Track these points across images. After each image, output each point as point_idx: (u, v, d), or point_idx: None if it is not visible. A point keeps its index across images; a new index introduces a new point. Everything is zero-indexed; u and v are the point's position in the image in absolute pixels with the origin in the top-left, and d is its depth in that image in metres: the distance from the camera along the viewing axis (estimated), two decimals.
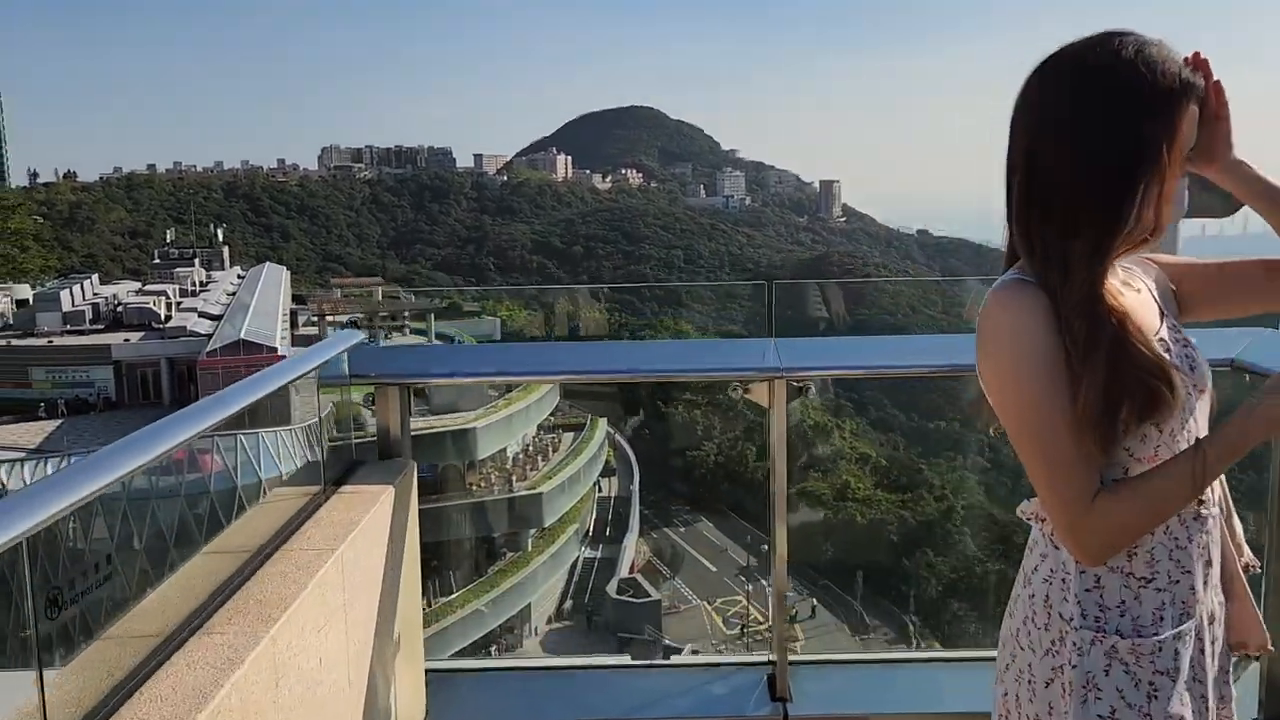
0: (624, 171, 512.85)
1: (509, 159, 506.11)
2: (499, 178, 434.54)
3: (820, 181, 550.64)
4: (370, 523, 4.50)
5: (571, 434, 68.10)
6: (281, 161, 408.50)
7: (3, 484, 43.39)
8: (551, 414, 68.83)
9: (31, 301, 69.39)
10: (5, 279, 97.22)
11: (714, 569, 77.17)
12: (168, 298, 73.60)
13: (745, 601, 68.04)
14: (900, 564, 76.92)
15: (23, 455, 46.45)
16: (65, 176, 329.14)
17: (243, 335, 50.34)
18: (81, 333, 65.06)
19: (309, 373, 4.72)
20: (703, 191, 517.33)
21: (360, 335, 5.57)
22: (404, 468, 5.27)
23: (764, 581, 73.89)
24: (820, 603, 70.50)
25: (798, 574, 76.86)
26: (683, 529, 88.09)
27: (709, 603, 68.32)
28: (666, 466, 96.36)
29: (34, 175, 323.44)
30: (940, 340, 6.57)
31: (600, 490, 71.58)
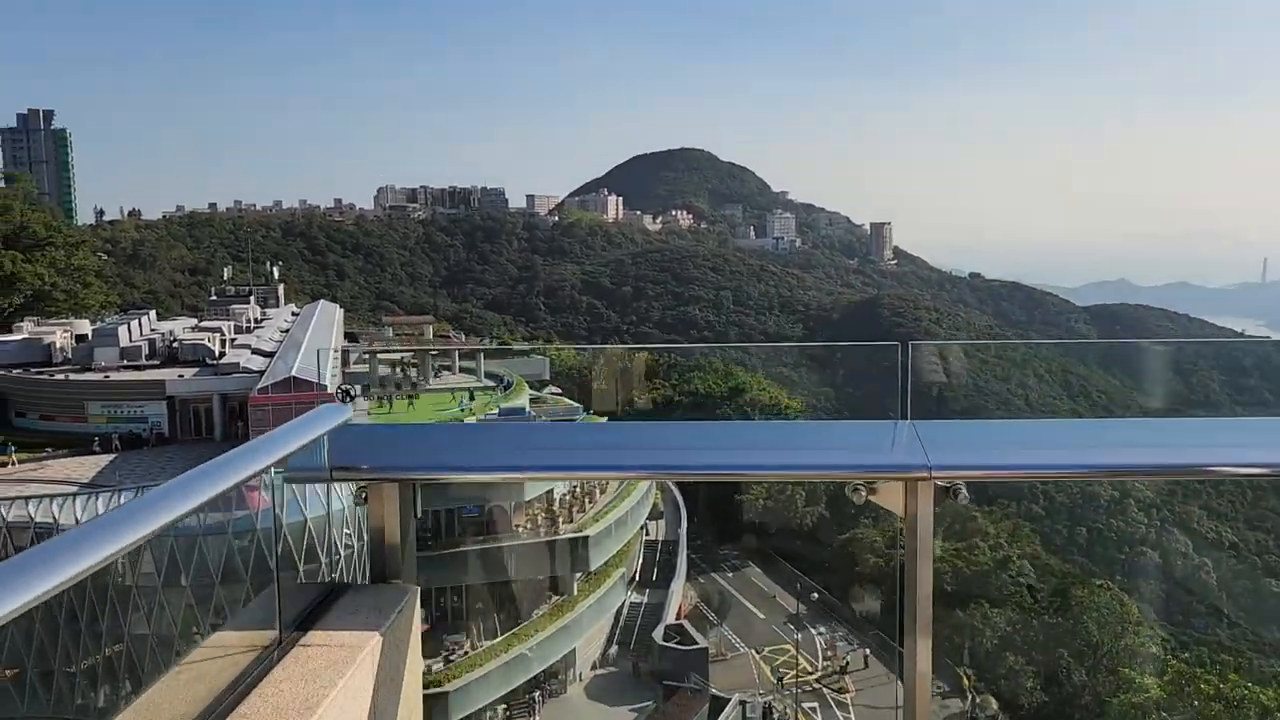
0: (674, 213, 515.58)
1: (561, 200, 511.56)
2: (550, 218, 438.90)
3: (871, 224, 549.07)
4: (343, 699, 3.12)
5: None
6: (339, 201, 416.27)
7: (55, 519, 43.72)
8: None
9: (90, 336, 70.49)
10: (67, 314, 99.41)
11: (762, 615, 75.63)
12: (222, 334, 74.40)
13: (794, 651, 66.34)
14: (953, 614, 74.78)
15: (75, 490, 46.87)
16: (130, 215, 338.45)
17: (294, 373, 50.51)
18: (138, 368, 65.86)
19: (270, 467, 3.51)
20: (753, 233, 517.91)
21: (346, 412, 4.18)
22: (402, 599, 3.89)
23: (814, 630, 72.22)
24: (872, 653, 68.54)
25: (850, 623, 75.03)
26: (730, 575, 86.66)
27: (757, 651, 66.78)
28: (714, 510, 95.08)
29: (100, 213, 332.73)
30: (1149, 426, 5.01)
31: (647, 534, 70.65)
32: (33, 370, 66.15)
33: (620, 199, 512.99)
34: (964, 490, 3.97)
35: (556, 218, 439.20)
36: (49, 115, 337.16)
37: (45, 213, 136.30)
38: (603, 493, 63.75)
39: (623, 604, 62.05)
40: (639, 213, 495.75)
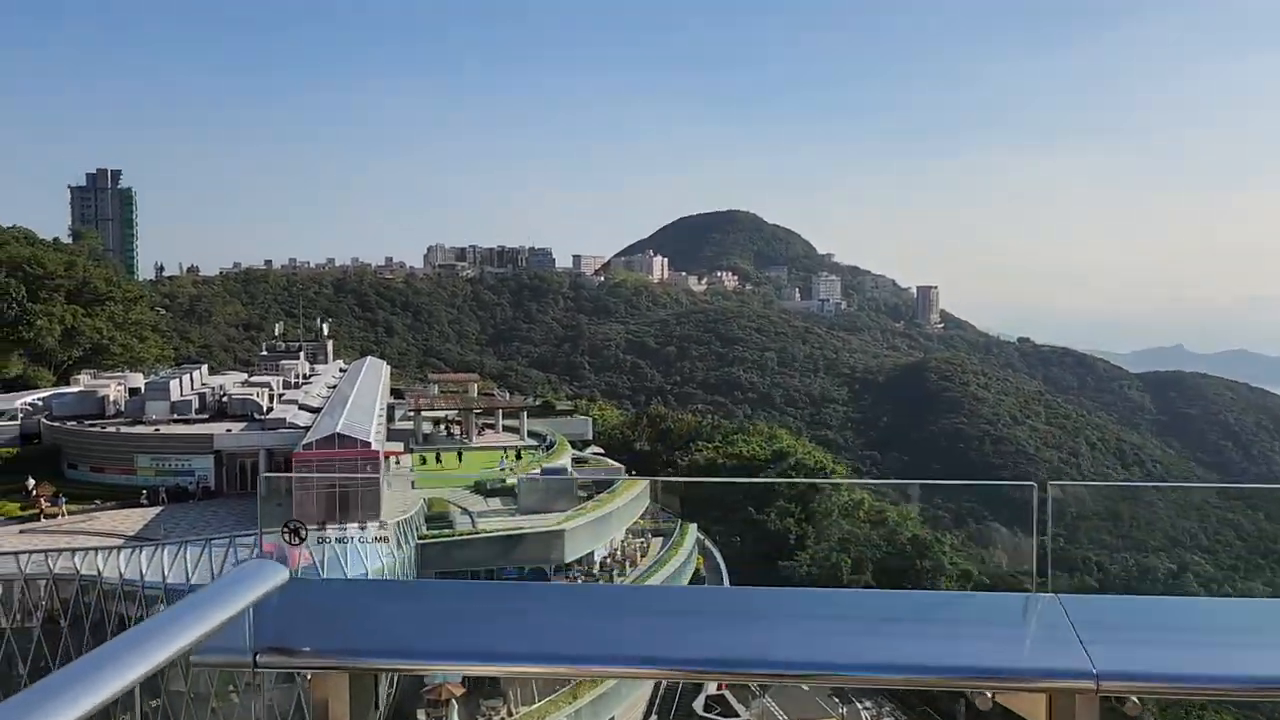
0: (719, 274, 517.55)
1: (607, 260, 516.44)
2: (596, 278, 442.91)
3: (917, 287, 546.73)
4: None
5: (661, 539, 66.57)
6: (389, 259, 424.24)
7: (99, 572, 43.94)
8: (642, 517, 67.66)
9: (143, 390, 71.61)
10: (124, 367, 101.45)
11: (805, 687, 73.73)
12: (271, 389, 75.22)
13: None
14: None
15: (120, 543, 47.17)
16: (189, 270, 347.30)
17: (339, 429, 50.71)
18: (187, 422, 66.68)
19: (174, 656, 2.79)
20: (798, 295, 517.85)
21: (280, 573, 3.29)
22: None
23: (859, 704, 70.15)
24: None
25: (899, 697, 72.72)
26: None
27: None
28: (757, 576, 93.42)
29: (160, 269, 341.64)
30: None
31: None
32: (86, 422, 67.28)
33: (665, 260, 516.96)
34: (1135, 702, 2.83)
35: (602, 277, 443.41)
36: (116, 174, 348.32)
37: (107, 268, 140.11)
38: (644, 556, 63.02)
39: None
40: (684, 273, 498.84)
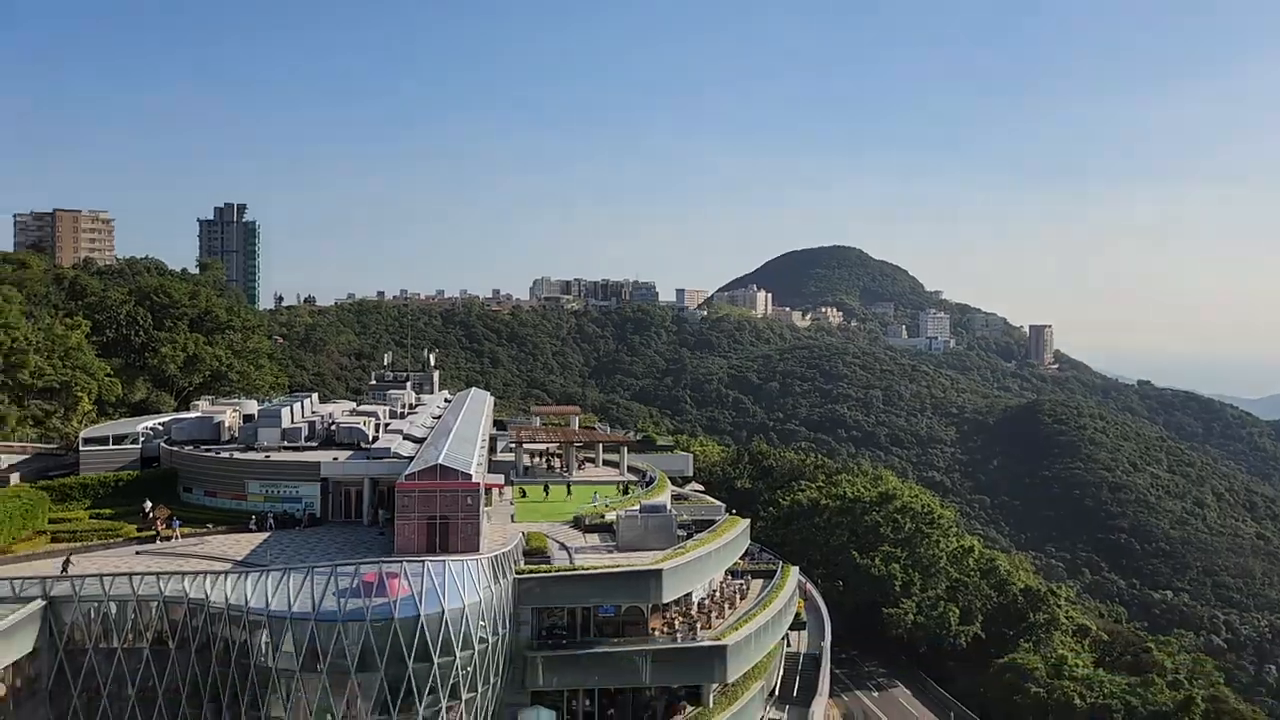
0: (824, 309, 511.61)
1: (710, 294, 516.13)
2: (699, 312, 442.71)
3: (1030, 326, 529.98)
4: None
5: (761, 581, 64.79)
6: (496, 291, 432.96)
7: (206, 595, 44.72)
8: (742, 557, 66.10)
9: (256, 417, 73.52)
10: (240, 394, 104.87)
11: None
12: (377, 419, 76.39)
13: None
14: None
15: (228, 568, 48.04)
16: (305, 301, 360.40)
17: (441, 461, 50.86)
18: (297, 449, 68.13)
19: None
20: (904, 332, 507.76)
21: None
22: None
23: None
24: None
25: None
26: (876, 694, 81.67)
27: None
28: (861, 623, 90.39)
29: (279, 299, 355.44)
30: None
31: (789, 645, 67.42)
32: (202, 447, 69.39)
33: (769, 295, 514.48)
34: None
35: (705, 312, 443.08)
36: (241, 209, 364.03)
37: (229, 298, 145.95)
38: (743, 598, 61.33)
39: (761, 719, 58.99)
40: (788, 309, 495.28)
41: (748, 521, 67.58)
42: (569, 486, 72.65)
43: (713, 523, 63.51)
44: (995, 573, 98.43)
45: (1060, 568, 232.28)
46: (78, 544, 54.93)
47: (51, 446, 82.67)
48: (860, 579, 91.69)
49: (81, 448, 72.06)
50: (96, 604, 44.51)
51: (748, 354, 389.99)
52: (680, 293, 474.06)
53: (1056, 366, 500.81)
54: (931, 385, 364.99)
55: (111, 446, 71.85)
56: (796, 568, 70.33)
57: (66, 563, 48.27)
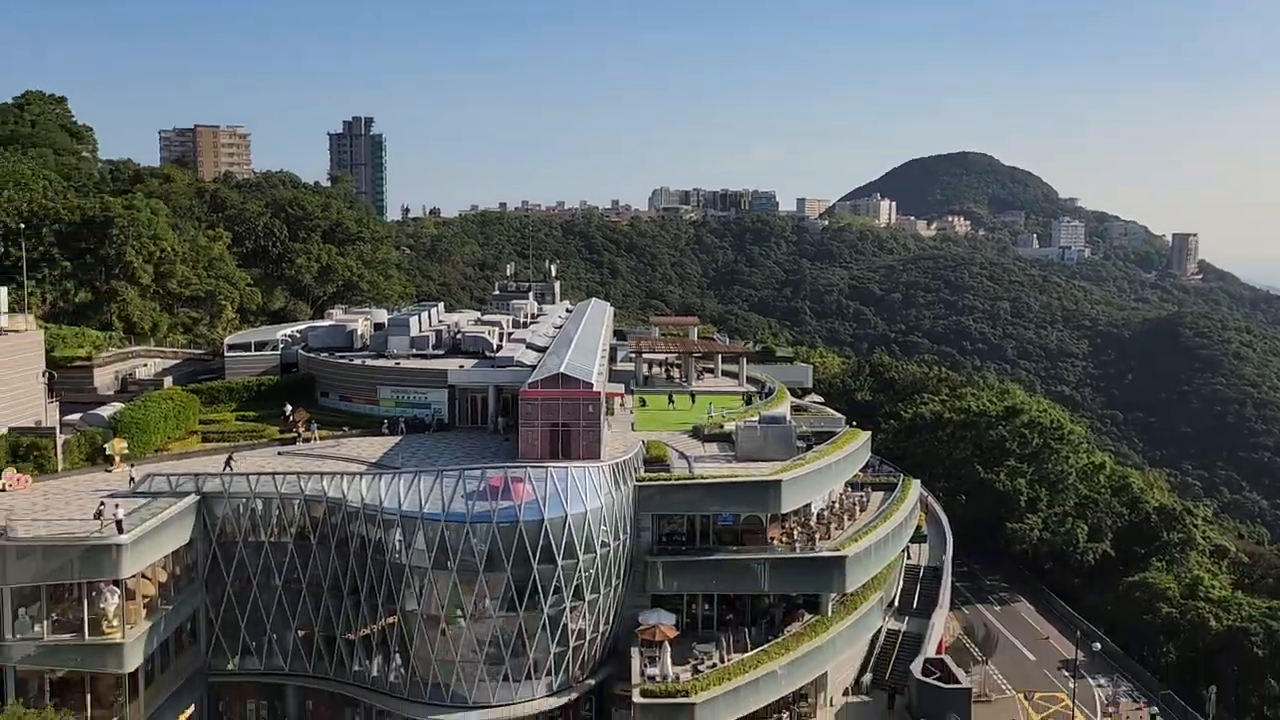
0: (949, 219, 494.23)
1: (831, 204, 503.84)
2: (820, 222, 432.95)
3: (1173, 235, 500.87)
4: None
5: (882, 494, 64.25)
6: (615, 202, 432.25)
7: (344, 495, 46.99)
8: (862, 470, 65.59)
9: (386, 325, 75.94)
10: (370, 303, 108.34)
11: (1032, 657, 69.67)
12: (501, 328, 77.95)
13: (1069, 702, 60.63)
14: (1266, 684, 65.60)
15: (363, 469, 50.27)
16: (431, 213, 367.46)
17: (563, 369, 51.65)
18: (424, 356, 70.22)
19: None
20: (1035, 242, 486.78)
21: None
22: None
23: (1091, 680, 65.80)
24: (1160, 714, 61.46)
25: (1137, 677, 67.75)
26: (998, 608, 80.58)
27: (1026, 696, 61.55)
28: (983, 537, 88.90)
29: (406, 211, 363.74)
30: None
31: (909, 557, 66.96)
32: (337, 354, 72.21)
33: (893, 204, 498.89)
34: None
35: (826, 222, 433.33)
36: (369, 122, 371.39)
37: (359, 210, 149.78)
38: (863, 510, 61.06)
39: (880, 630, 59.10)
40: (912, 218, 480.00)
41: (868, 434, 66.83)
42: (693, 395, 72.99)
43: (832, 435, 63.06)
44: (1127, 490, 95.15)
45: (1197, 486, 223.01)
46: (226, 444, 58.30)
47: (199, 352, 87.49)
48: (983, 493, 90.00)
49: (226, 353, 76.04)
50: (244, 500, 47.32)
51: (869, 264, 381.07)
52: (801, 202, 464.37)
53: (1201, 277, 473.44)
54: (1063, 297, 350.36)
55: (253, 353, 75.61)
56: (918, 481, 69.48)
57: (229, 461, 51.19)
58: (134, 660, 41.21)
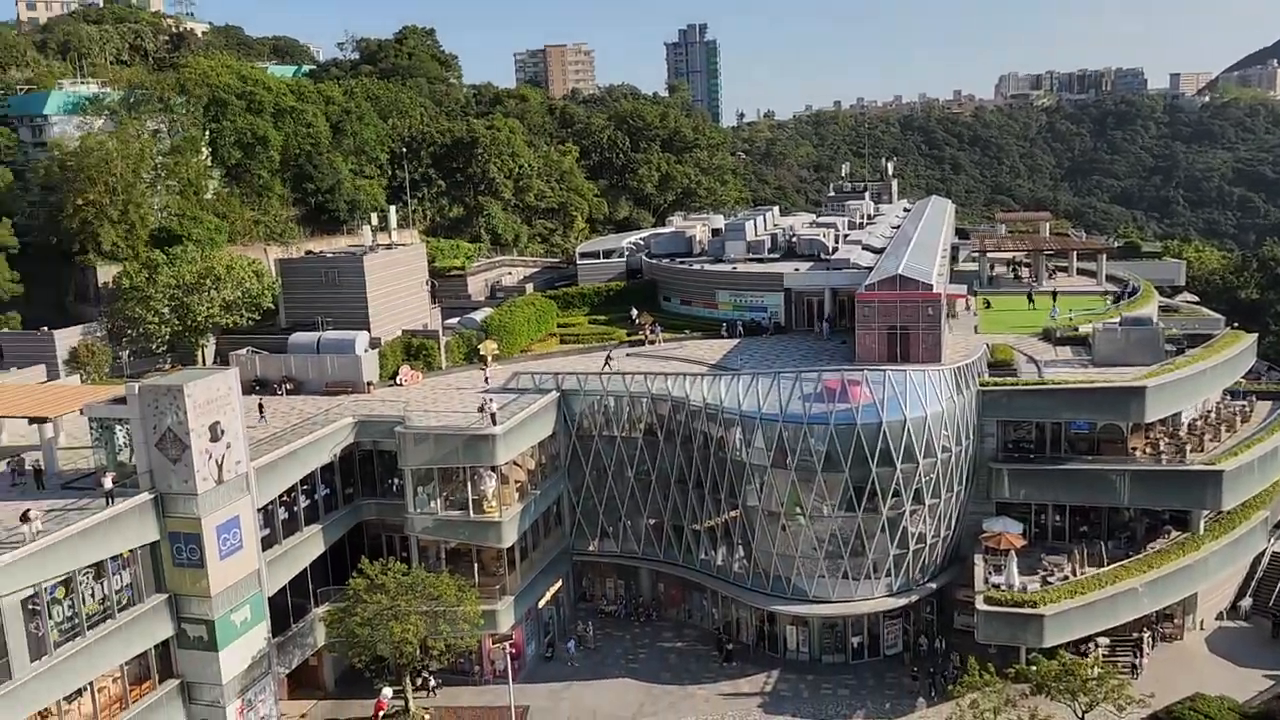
0: None
1: (1213, 76, 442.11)
2: (1198, 99, 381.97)
3: None
4: None
5: (1270, 403, 57.06)
6: (958, 93, 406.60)
7: (686, 395, 49.27)
8: (1245, 376, 58.62)
9: (723, 231, 77.58)
10: (707, 210, 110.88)
11: None
12: (836, 230, 77.02)
13: None
14: None
15: (704, 370, 52.34)
16: (765, 116, 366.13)
17: (901, 271, 50.33)
18: (760, 260, 71.14)
19: None
20: None
21: None
22: None
23: None
24: None
25: None
26: None
27: None
28: None
29: (740, 116, 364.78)
30: None
31: None
32: (677, 260, 74.98)
33: None
34: None
35: (1206, 98, 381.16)
36: (703, 29, 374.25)
37: (695, 118, 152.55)
38: (1245, 421, 54.74)
39: (1263, 552, 53.32)
40: None
41: (1253, 337, 59.33)
42: (1054, 294, 67.77)
43: (1209, 337, 56.80)
44: None
45: None
46: (580, 345, 62.95)
47: (555, 260, 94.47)
48: None
49: (578, 261, 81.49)
50: (598, 397, 51.05)
51: (1261, 143, 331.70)
52: (1174, 78, 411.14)
53: None
54: None
55: (602, 260, 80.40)
56: None
57: (608, 359, 55.26)
58: (510, 537, 46.35)
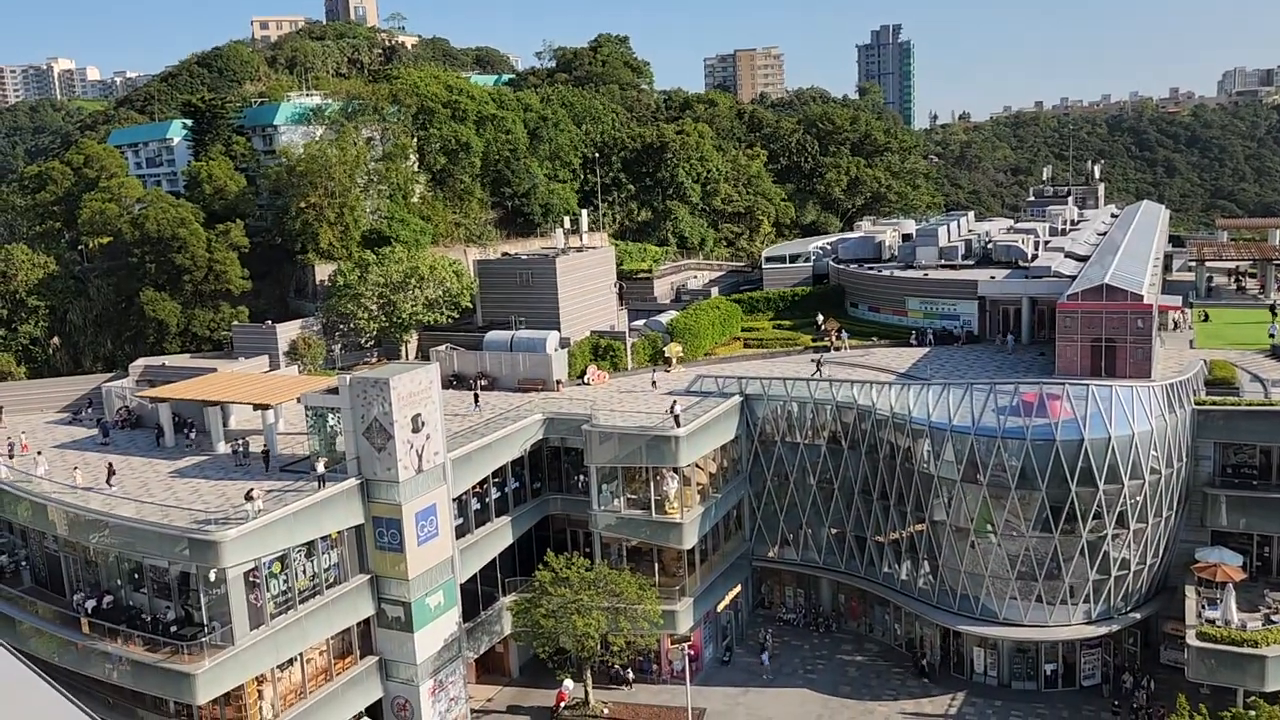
0: None
1: None
2: None
3: None
4: None
5: None
6: (1174, 90, 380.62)
7: (873, 403, 48.22)
8: None
9: (914, 236, 75.49)
10: (898, 214, 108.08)
11: None
12: (1036, 236, 73.53)
13: None
14: None
15: (891, 379, 51.08)
16: (960, 118, 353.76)
17: (1107, 280, 47.53)
18: (953, 267, 68.80)
19: None
20: None
21: None
22: None
23: None
24: None
25: None
26: None
27: None
28: None
29: (934, 118, 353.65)
30: None
31: None
32: (865, 265, 73.54)
33: None
34: None
35: None
36: (896, 29, 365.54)
37: (886, 120, 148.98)
38: None
39: None
40: None
41: None
42: (1273, 308, 62.64)
43: None
44: None
45: None
46: (764, 350, 62.68)
47: (740, 265, 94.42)
48: None
49: (763, 265, 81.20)
50: (781, 403, 50.67)
51: None
52: None
53: None
54: None
55: (788, 265, 79.82)
56: None
57: (818, 364, 55.16)
58: (690, 539, 46.68)
